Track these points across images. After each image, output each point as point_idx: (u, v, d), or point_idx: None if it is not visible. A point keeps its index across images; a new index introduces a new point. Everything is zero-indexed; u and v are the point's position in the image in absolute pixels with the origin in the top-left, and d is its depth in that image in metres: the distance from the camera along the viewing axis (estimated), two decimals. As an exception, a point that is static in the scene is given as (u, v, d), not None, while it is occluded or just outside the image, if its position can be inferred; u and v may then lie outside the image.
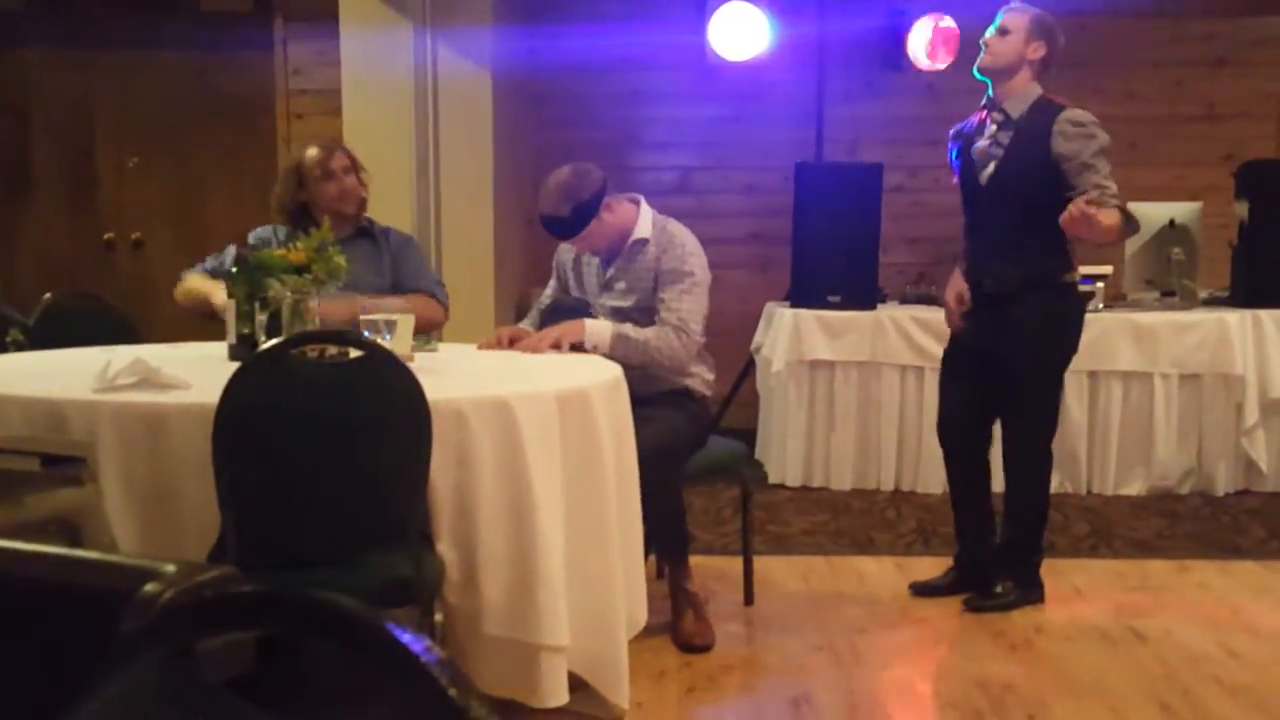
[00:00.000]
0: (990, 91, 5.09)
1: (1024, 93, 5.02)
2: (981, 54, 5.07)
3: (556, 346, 4.54)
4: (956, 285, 5.25)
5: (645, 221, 4.81)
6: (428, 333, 4.81)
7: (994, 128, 5.08)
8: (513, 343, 4.71)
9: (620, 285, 4.82)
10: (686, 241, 4.80)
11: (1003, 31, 5.02)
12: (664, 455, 4.47)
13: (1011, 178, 5.02)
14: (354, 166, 5.20)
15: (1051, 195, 4.87)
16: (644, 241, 4.78)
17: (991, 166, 5.06)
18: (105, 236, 8.81)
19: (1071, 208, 4.65)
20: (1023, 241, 5.01)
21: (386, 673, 1.06)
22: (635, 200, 4.85)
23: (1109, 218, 4.71)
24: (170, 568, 1.22)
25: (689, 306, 4.70)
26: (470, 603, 3.51)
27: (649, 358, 4.64)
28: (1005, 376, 5.11)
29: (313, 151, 5.17)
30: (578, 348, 4.56)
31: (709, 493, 6.67)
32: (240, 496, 3.20)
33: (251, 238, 5.12)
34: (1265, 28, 9.02)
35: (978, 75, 5.08)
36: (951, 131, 5.30)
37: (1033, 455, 5.17)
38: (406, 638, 1.05)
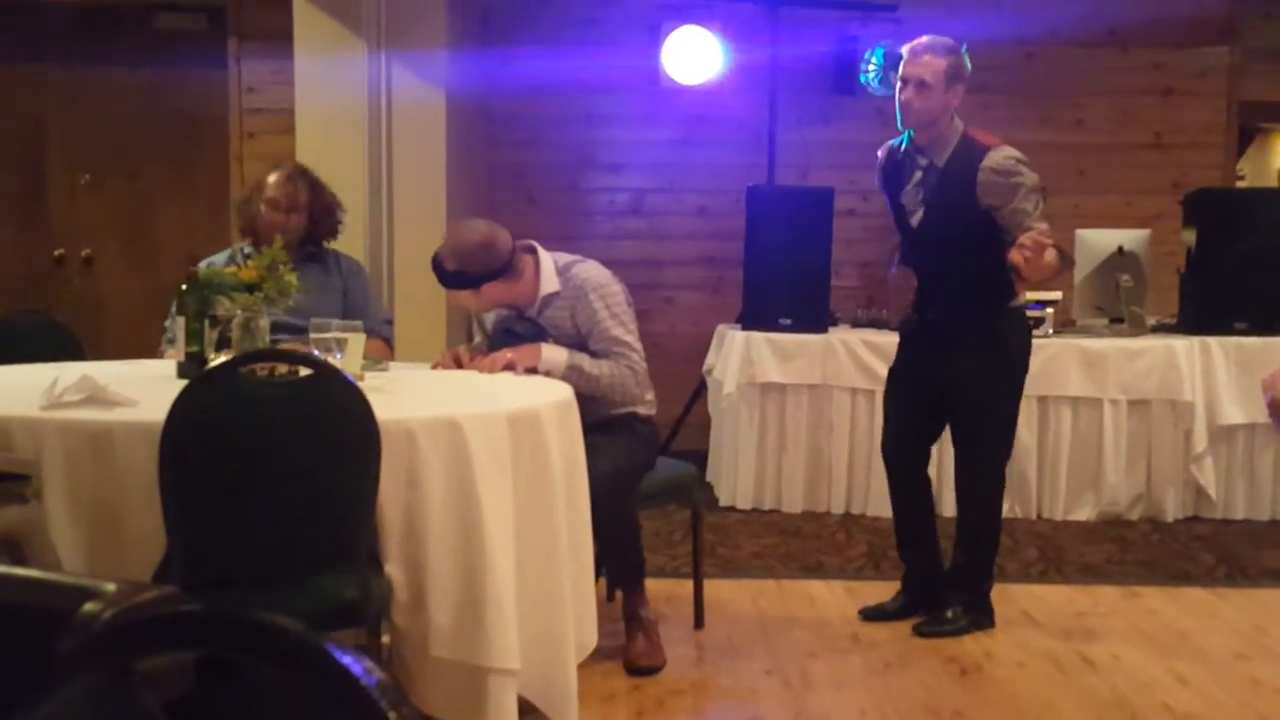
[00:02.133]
0: (911, 132, 5.05)
1: (948, 137, 4.98)
2: (902, 112, 4.98)
3: (510, 368, 4.51)
4: (895, 277, 5.26)
5: (549, 275, 4.72)
6: None
7: (919, 174, 5.05)
8: (464, 363, 4.68)
9: (529, 321, 4.80)
10: (593, 278, 4.73)
11: (920, 85, 4.91)
12: (618, 482, 4.47)
13: (940, 224, 5.01)
14: (309, 204, 5.26)
15: (984, 235, 4.88)
16: (554, 294, 4.73)
17: (920, 213, 5.06)
18: (56, 253, 8.75)
19: (1021, 241, 4.61)
20: (961, 278, 5.02)
21: (326, 695, 1.05)
22: (531, 250, 4.76)
23: (1049, 254, 4.72)
24: (110, 587, 1.20)
25: (631, 339, 4.71)
26: (418, 625, 3.49)
27: (600, 391, 4.63)
28: (952, 404, 5.12)
29: (273, 176, 5.23)
30: (532, 371, 4.55)
31: (660, 515, 6.65)
32: (186, 515, 3.17)
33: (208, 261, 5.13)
34: (1211, 57, 9.12)
35: (901, 129, 5.06)
36: (879, 154, 5.24)
37: (985, 482, 5.18)
38: (346, 659, 1.04)
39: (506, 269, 4.63)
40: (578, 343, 4.69)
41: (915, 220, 5.08)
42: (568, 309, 4.71)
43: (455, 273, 4.64)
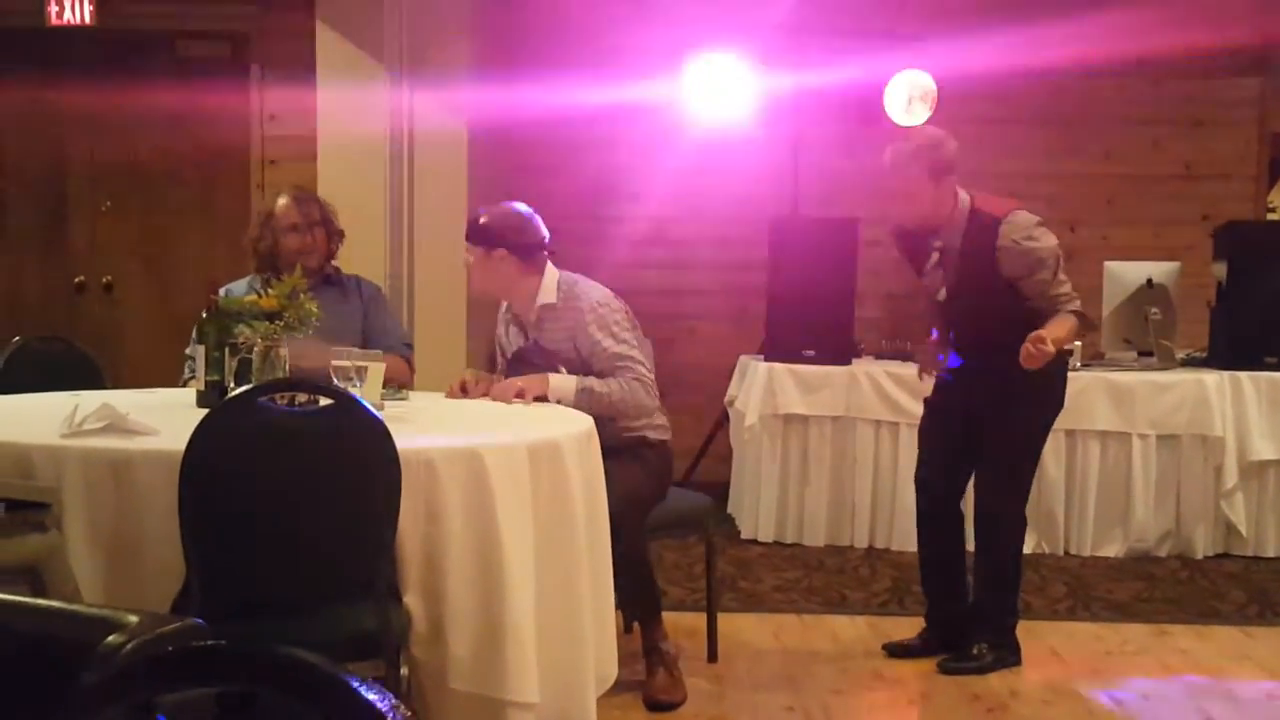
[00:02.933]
0: None
1: (956, 220, 4.96)
2: (898, 217, 5.04)
3: (521, 396, 4.50)
4: (930, 345, 5.26)
5: (550, 286, 4.78)
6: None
7: (936, 256, 5.05)
8: (471, 390, 4.70)
9: (541, 349, 4.80)
10: (589, 298, 4.75)
11: (906, 198, 4.93)
12: (624, 513, 4.36)
13: (967, 298, 5.01)
14: (322, 219, 5.21)
15: (1012, 302, 4.90)
16: (550, 306, 4.77)
17: (944, 292, 5.06)
18: (76, 280, 8.73)
19: (1025, 348, 4.64)
20: (994, 342, 4.96)
21: None
22: (540, 267, 4.82)
23: (1061, 328, 4.77)
24: (133, 619, 1.19)
25: (634, 352, 4.68)
26: (437, 657, 3.46)
27: (615, 410, 4.60)
28: (980, 435, 5.07)
29: (282, 201, 5.22)
30: (541, 399, 4.52)
31: (679, 547, 6.60)
32: (205, 544, 3.16)
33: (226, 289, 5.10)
34: (1242, 88, 9.05)
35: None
36: (890, 230, 5.26)
37: (1005, 518, 5.12)
38: (371, 695, 1.01)
39: (527, 252, 4.72)
40: (581, 366, 4.69)
41: (941, 297, 5.07)
42: (566, 330, 4.72)
43: (483, 225, 4.75)
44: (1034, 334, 4.66)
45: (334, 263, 5.30)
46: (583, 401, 4.52)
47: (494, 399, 4.53)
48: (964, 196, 4.97)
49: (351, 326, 5.07)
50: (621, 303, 4.82)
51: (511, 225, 4.73)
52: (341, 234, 5.35)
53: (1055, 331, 4.72)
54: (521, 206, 4.84)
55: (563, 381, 4.61)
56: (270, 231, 5.20)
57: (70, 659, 1.15)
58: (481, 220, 4.76)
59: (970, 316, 5.02)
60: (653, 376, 4.74)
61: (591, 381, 4.60)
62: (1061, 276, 4.88)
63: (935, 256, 5.03)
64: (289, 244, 5.16)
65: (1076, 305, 4.87)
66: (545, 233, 4.79)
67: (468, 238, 4.79)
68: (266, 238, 5.20)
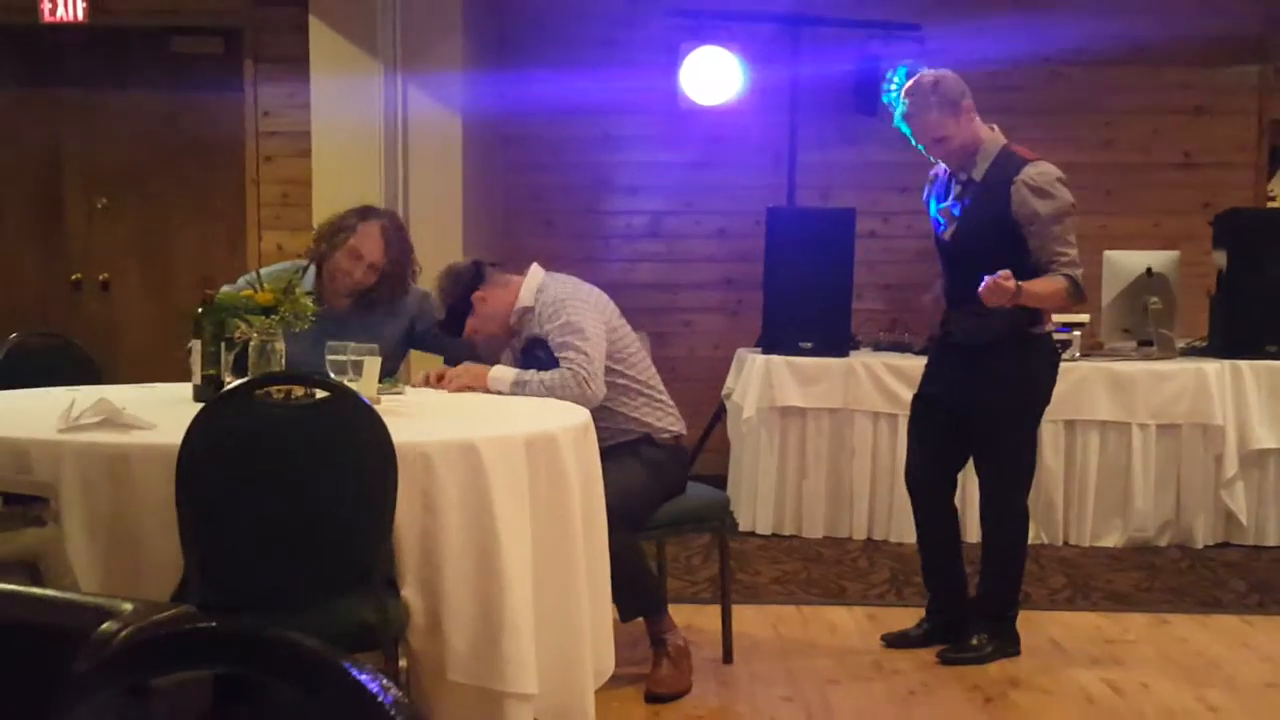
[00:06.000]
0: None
1: (986, 152, 4.96)
2: (943, 162, 5.05)
3: (438, 384, 4.74)
4: (932, 297, 5.24)
5: (529, 289, 4.84)
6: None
7: (958, 188, 5.03)
8: (432, 382, 4.83)
9: (540, 353, 4.81)
10: (561, 293, 4.78)
11: (936, 142, 4.93)
12: (617, 507, 4.25)
13: (970, 239, 4.98)
14: (387, 265, 5.04)
15: (1013, 254, 4.83)
16: (529, 309, 4.81)
17: (954, 226, 5.02)
18: (73, 277, 8.73)
19: (990, 278, 4.64)
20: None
21: (343, 712, 1.01)
22: (523, 272, 4.90)
23: (1044, 286, 4.73)
24: (127, 606, 1.18)
25: (581, 344, 4.62)
26: (435, 649, 3.44)
27: (553, 395, 4.56)
28: (975, 428, 5.06)
29: (371, 232, 5.02)
30: (468, 389, 4.68)
31: (679, 540, 6.59)
32: (203, 538, 3.15)
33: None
34: (1241, 76, 9.04)
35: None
36: (930, 174, 5.24)
37: (1008, 508, 5.11)
38: (363, 677, 1.01)
39: (477, 278, 4.86)
40: (550, 360, 4.70)
41: (948, 234, 5.03)
42: (539, 320, 4.75)
43: (449, 311, 4.92)
44: (1002, 273, 4.65)
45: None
46: (518, 392, 4.59)
47: (450, 389, 4.70)
48: (999, 135, 4.99)
49: (386, 342, 4.88)
50: (592, 293, 4.83)
51: (447, 284, 4.93)
52: (407, 274, 5.14)
53: (1034, 284, 4.70)
54: (436, 284, 4.99)
55: (502, 373, 4.66)
56: (334, 233, 5.04)
57: (64, 647, 1.15)
58: (442, 317, 4.96)
59: (970, 263, 4.93)
60: (593, 368, 4.61)
61: (528, 374, 4.62)
62: (1070, 238, 4.84)
63: (958, 189, 5.02)
64: (341, 263, 5.00)
65: (1074, 272, 4.81)
66: (466, 267, 4.98)
67: (452, 329, 4.97)
68: (333, 245, 5.03)
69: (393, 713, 0.99)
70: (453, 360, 5.19)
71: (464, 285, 4.84)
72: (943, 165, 5.11)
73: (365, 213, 5.11)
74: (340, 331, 4.35)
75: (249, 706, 1.13)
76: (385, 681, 1.00)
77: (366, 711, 1.00)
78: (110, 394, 3.74)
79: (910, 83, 4.97)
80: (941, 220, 5.09)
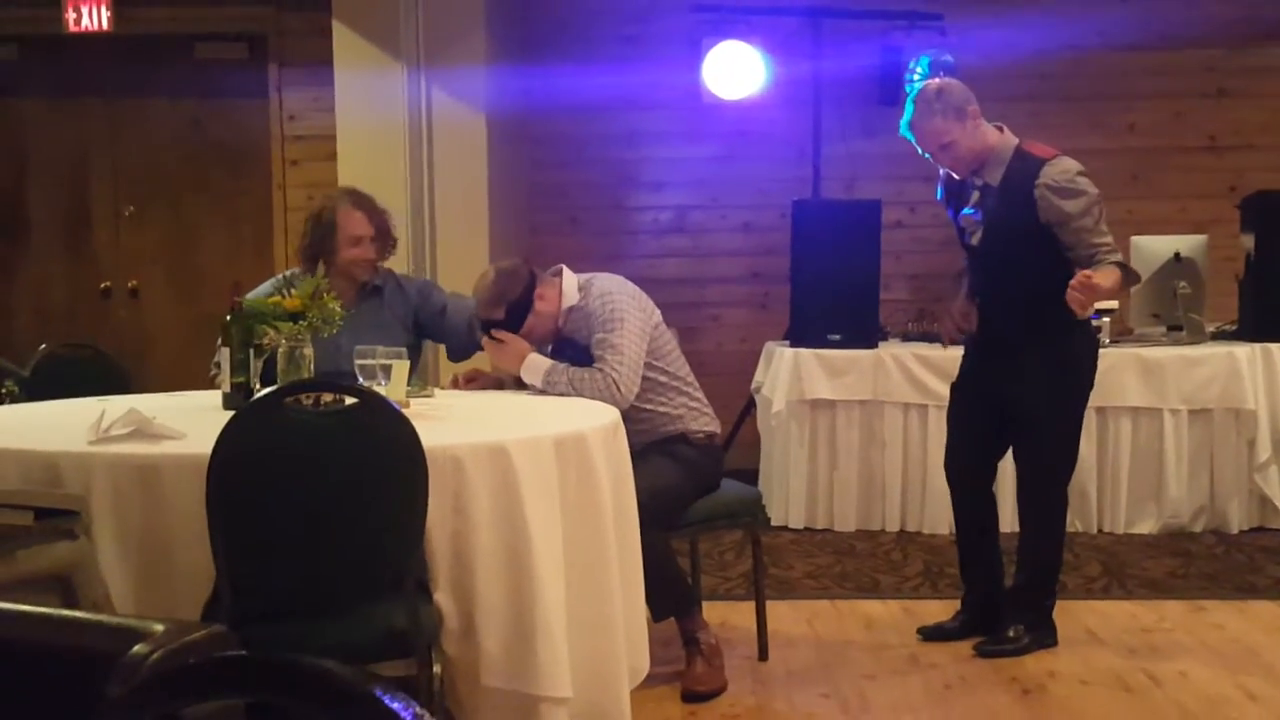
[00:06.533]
0: None
1: (998, 156, 4.92)
2: (951, 170, 5.01)
3: (469, 384, 4.86)
4: (960, 304, 5.18)
5: (571, 290, 4.83)
6: None
7: (976, 194, 5.01)
8: (460, 385, 4.93)
9: (573, 344, 4.82)
10: (609, 286, 4.80)
11: (943, 149, 4.89)
12: (648, 506, 4.23)
13: (999, 244, 4.96)
14: (387, 229, 5.18)
15: (1045, 252, 4.82)
16: (575, 307, 4.81)
17: (980, 233, 5.00)
18: (101, 285, 8.77)
19: (1071, 287, 4.58)
20: (1022, 294, 4.93)
21: None
22: (557, 273, 4.88)
23: (1108, 278, 4.67)
24: (159, 627, 1.18)
25: (620, 343, 4.61)
26: (469, 654, 3.44)
27: (580, 394, 4.56)
28: (1015, 418, 5.03)
29: (347, 209, 5.09)
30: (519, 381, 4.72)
31: (711, 536, 6.57)
32: (234, 547, 3.16)
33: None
34: (1265, 57, 8.96)
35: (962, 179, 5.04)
36: (941, 172, 5.19)
37: (1048, 499, 5.09)
38: (396, 705, 1.00)
39: (533, 277, 4.81)
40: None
41: (975, 239, 5.01)
42: (585, 322, 4.74)
43: (509, 311, 4.78)
44: (1081, 273, 4.61)
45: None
46: (546, 384, 4.61)
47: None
48: (1010, 136, 4.95)
49: (393, 337, 4.93)
50: (634, 294, 4.80)
51: (511, 299, 4.78)
52: (395, 241, 5.28)
53: (1102, 278, 4.63)
54: (483, 276, 4.90)
55: (537, 361, 4.68)
56: (325, 238, 5.07)
57: (95, 670, 1.14)
58: (500, 317, 4.78)
59: (1002, 268, 4.94)
60: (627, 372, 4.58)
61: (559, 369, 4.62)
62: (1103, 228, 4.80)
63: (976, 195, 4.99)
64: (350, 255, 5.06)
65: (1119, 257, 4.78)
66: (521, 265, 4.88)
67: (496, 329, 4.81)
68: (320, 241, 5.08)
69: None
70: (455, 352, 5.23)
71: (525, 284, 4.78)
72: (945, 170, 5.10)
73: (330, 204, 5.17)
74: (351, 329, 4.37)
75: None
76: (419, 710, 0.99)
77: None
78: (140, 403, 3.76)
79: (915, 92, 4.97)
80: (965, 227, 5.07)
